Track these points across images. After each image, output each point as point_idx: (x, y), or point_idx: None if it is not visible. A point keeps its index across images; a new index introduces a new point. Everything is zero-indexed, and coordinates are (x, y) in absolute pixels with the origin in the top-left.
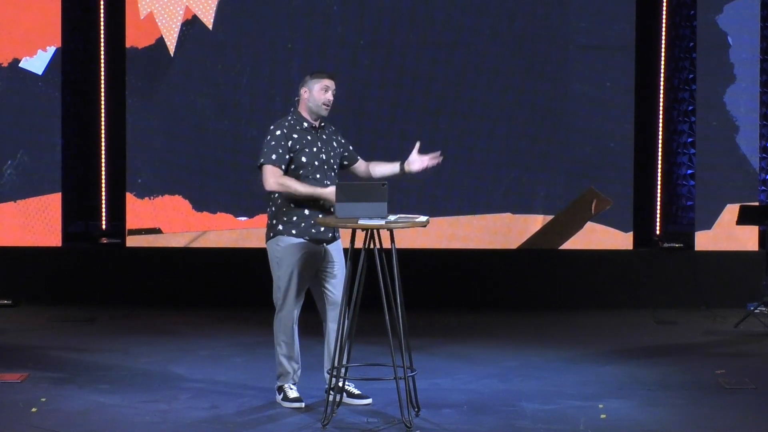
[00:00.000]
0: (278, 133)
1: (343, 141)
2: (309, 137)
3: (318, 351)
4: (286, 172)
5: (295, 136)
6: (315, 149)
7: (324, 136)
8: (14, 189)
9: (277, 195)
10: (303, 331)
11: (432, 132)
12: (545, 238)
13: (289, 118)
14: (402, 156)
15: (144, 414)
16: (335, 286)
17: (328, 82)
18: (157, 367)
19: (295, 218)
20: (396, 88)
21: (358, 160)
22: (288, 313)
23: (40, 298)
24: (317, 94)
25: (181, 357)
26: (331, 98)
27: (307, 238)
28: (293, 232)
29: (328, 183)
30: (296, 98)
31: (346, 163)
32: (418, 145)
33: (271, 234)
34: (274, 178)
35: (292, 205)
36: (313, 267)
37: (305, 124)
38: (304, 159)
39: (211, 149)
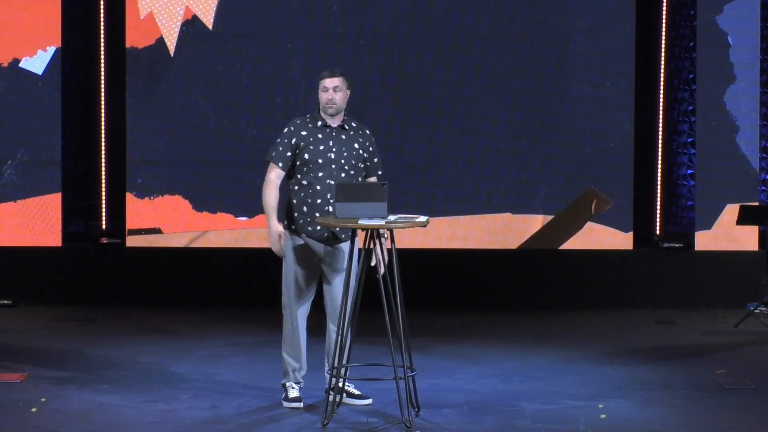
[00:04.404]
0: (285, 130)
1: (370, 149)
2: (320, 135)
3: (318, 351)
4: (292, 168)
5: (304, 133)
6: (322, 147)
7: (343, 137)
8: (14, 189)
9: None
10: None
11: (432, 132)
12: (545, 238)
13: (307, 115)
14: (402, 154)
15: (144, 414)
16: (336, 287)
17: (327, 82)
18: (157, 367)
19: (296, 214)
20: (396, 88)
21: (375, 175)
22: (289, 309)
23: (40, 298)
24: (320, 95)
25: (181, 357)
26: (331, 97)
27: (304, 235)
28: (293, 227)
29: (331, 183)
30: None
31: (364, 173)
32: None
33: None
34: (266, 179)
35: (294, 202)
36: (312, 266)
37: (319, 123)
38: (307, 156)
39: (211, 149)
